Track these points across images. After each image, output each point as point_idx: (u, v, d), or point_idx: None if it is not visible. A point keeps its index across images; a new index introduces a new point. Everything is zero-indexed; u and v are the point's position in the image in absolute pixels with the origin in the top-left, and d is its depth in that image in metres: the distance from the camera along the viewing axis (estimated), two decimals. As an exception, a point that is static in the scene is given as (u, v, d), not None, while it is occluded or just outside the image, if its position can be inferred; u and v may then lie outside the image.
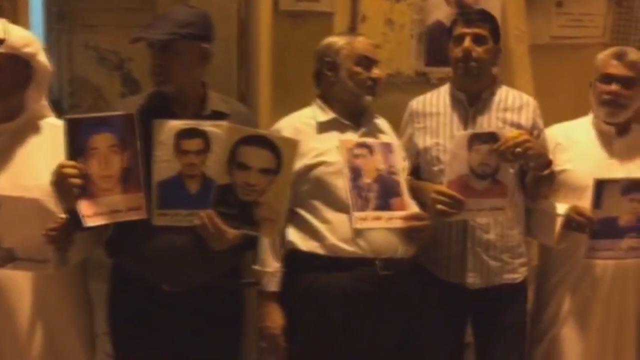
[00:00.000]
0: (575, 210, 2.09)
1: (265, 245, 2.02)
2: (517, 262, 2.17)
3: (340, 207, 1.97)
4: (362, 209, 1.96)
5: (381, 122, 2.19)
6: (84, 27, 2.62)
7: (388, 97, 2.55)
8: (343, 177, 1.98)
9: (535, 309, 2.34)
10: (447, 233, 2.15)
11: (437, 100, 2.23)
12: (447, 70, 2.42)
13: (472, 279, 2.12)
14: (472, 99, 2.17)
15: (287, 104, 2.22)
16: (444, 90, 2.24)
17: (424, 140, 2.19)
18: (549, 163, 2.08)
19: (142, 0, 2.48)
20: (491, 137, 2.01)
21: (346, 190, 1.96)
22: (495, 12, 2.50)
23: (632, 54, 2.16)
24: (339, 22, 2.53)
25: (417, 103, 2.27)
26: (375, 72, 2.09)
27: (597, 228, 2.05)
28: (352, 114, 2.11)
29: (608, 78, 2.17)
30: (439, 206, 1.99)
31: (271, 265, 2.02)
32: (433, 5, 2.46)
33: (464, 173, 2.00)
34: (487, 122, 2.14)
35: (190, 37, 1.84)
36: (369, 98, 2.10)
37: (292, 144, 1.87)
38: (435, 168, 2.16)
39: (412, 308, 2.05)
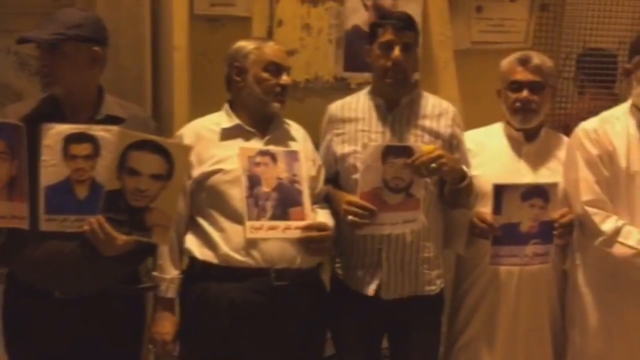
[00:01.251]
0: (476, 216, 2.15)
1: (165, 252, 2.06)
2: (434, 273, 2.21)
3: (234, 216, 2.00)
4: (257, 218, 1.98)
5: (294, 129, 2.22)
6: (5, 32, 2.66)
7: (308, 103, 2.62)
8: (240, 185, 1.99)
9: (450, 317, 2.39)
10: (361, 243, 2.18)
11: (355, 105, 2.27)
12: (366, 76, 2.49)
13: (386, 291, 2.15)
14: (391, 106, 2.21)
15: (207, 109, 2.25)
16: (363, 95, 2.28)
17: (342, 147, 2.22)
18: (465, 175, 2.13)
19: (61, 5, 2.52)
20: (405, 151, 2.05)
21: (241, 199, 1.98)
22: (416, 17, 2.57)
23: (536, 58, 2.23)
24: (257, 26, 2.59)
25: (335, 108, 2.30)
26: (284, 78, 2.11)
27: (498, 234, 2.10)
28: (259, 120, 2.13)
29: (517, 85, 2.23)
30: (350, 217, 2.02)
31: (169, 272, 2.07)
32: (351, 10, 2.52)
33: (377, 186, 2.04)
34: (406, 130, 2.18)
35: (78, 38, 1.87)
36: (276, 105, 2.12)
37: (184, 150, 1.92)
38: (354, 176, 2.18)
39: (310, 319, 2.07)
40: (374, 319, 2.20)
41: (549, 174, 2.24)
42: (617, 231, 2.03)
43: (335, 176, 2.27)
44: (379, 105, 2.21)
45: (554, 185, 2.11)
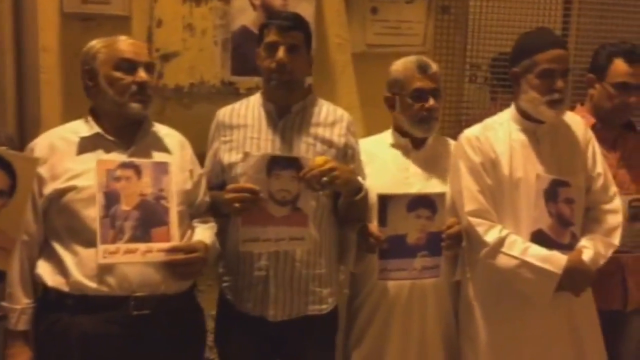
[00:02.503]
0: (363, 229, 2.09)
1: (15, 279, 1.88)
2: (326, 291, 2.14)
3: (89, 239, 1.84)
4: (113, 240, 1.82)
5: (167, 137, 2.07)
6: None
7: (195, 109, 2.50)
8: (96, 204, 1.82)
9: (344, 334, 2.32)
10: (247, 261, 2.09)
11: (245, 111, 2.18)
12: (257, 80, 2.43)
13: (274, 312, 2.07)
14: (282, 112, 2.13)
15: (81, 115, 2.08)
16: (254, 100, 2.20)
17: (229, 156, 2.13)
18: (360, 188, 2.08)
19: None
20: (293, 162, 1.98)
21: (96, 220, 1.82)
22: (309, 18, 2.49)
23: (433, 65, 2.21)
24: (137, 26, 2.46)
25: (224, 114, 2.20)
26: (141, 75, 1.93)
27: (385, 247, 2.05)
28: (123, 128, 1.97)
29: (420, 93, 2.18)
30: (236, 204, 1.92)
31: (20, 301, 1.89)
32: (238, 10, 2.42)
33: (262, 198, 1.95)
34: (297, 138, 2.10)
35: None
36: (135, 106, 1.94)
37: (30, 163, 1.78)
38: (240, 187, 2.10)
39: (184, 348, 1.95)
40: (264, 341, 2.11)
41: (438, 182, 2.20)
42: (500, 241, 2.01)
43: (223, 186, 2.13)
44: (270, 111, 2.14)
45: (440, 195, 2.08)
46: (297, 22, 2.07)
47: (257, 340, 2.10)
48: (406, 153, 2.26)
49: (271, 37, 2.05)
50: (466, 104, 2.91)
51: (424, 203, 2.06)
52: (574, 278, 1.98)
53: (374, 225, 2.07)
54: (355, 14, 2.57)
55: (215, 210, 2.13)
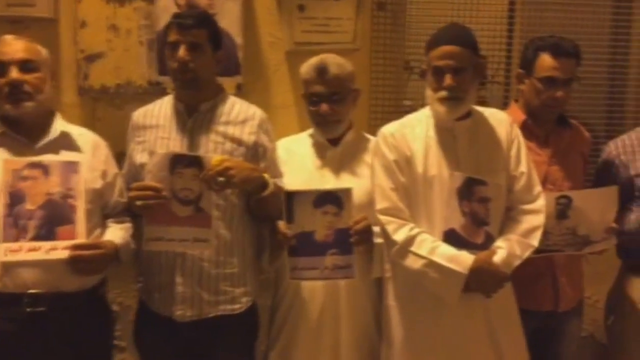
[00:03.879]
0: (273, 227, 2.12)
1: None
2: (238, 291, 2.15)
3: (-10, 238, 1.86)
4: (16, 239, 1.88)
5: (80, 137, 2.11)
6: None
7: (125, 109, 2.52)
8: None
9: (267, 334, 2.32)
10: (156, 261, 2.12)
11: (158, 112, 2.21)
12: (184, 80, 2.43)
13: (181, 312, 2.09)
14: (191, 111, 2.16)
15: None
16: (167, 101, 2.23)
17: (141, 156, 2.15)
18: (266, 184, 2.08)
19: None
20: (195, 161, 2.02)
21: None
22: (237, 17, 2.56)
23: (333, 67, 2.21)
24: (64, 28, 2.50)
25: (138, 115, 2.24)
26: (11, 75, 1.95)
27: (294, 244, 2.08)
28: (32, 127, 2.00)
29: (316, 98, 2.21)
30: (139, 202, 1.97)
31: None
32: (162, 10, 2.44)
33: (165, 196, 1.98)
34: (205, 137, 2.12)
35: None
36: (8, 107, 1.96)
37: None
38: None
39: (88, 345, 1.97)
40: (175, 342, 2.12)
41: (353, 179, 2.21)
42: (409, 240, 2.01)
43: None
44: (180, 111, 2.16)
45: (346, 191, 2.09)
46: (198, 20, 2.09)
47: (168, 340, 2.12)
48: (323, 150, 2.28)
49: (172, 36, 2.08)
50: (408, 102, 2.92)
51: (330, 199, 2.08)
52: (481, 279, 1.96)
53: (282, 222, 2.09)
54: (283, 12, 2.58)
55: (132, 211, 2.13)
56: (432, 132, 2.10)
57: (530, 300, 2.30)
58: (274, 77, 2.68)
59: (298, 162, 2.27)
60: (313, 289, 2.16)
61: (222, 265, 2.10)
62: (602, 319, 2.61)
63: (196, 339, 2.10)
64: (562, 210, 2.20)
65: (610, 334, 2.55)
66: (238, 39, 2.53)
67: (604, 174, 2.43)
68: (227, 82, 2.47)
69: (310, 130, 2.33)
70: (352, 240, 2.06)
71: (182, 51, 2.05)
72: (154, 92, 2.49)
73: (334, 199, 2.07)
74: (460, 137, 2.09)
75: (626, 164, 2.39)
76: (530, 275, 2.30)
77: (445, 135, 2.09)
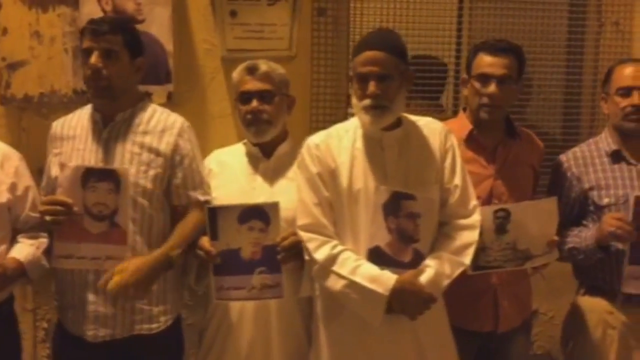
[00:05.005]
0: (197, 245, 2.03)
1: None
2: (157, 309, 2.07)
3: None
4: None
5: None
6: None
7: (51, 118, 2.42)
8: None
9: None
10: (69, 278, 2.04)
11: (76, 122, 2.14)
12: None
13: (94, 331, 2.01)
14: (108, 121, 2.08)
15: None
16: (86, 110, 2.15)
17: (56, 169, 2.06)
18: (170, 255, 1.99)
19: None
20: (110, 175, 1.94)
21: None
22: (167, 23, 2.47)
23: (264, 66, 2.14)
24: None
25: (56, 125, 2.17)
26: None
27: (218, 262, 1.99)
28: None
29: (246, 95, 2.14)
30: (48, 218, 1.91)
31: None
32: (87, 16, 2.33)
33: (76, 212, 1.91)
34: (121, 148, 2.04)
35: None
36: None
37: None
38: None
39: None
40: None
41: (287, 192, 2.10)
42: (331, 259, 1.91)
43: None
44: (96, 121, 2.09)
45: (273, 205, 2.00)
46: (113, 26, 2.02)
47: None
48: (256, 162, 2.19)
49: (85, 42, 2.01)
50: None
51: (256, 214, 1.99)
52: (403, 300, 1.86)
53: (205, 239, 2.00)
54: (215, 18, 2.49)
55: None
56: (359, 143, 2.00)
57: (470, 320, 2.23)
58: (211, 85, 2.59)
59: (230, 175, 2.19)
60: (242, 309, 2.07)
61: None
62: (559, 335, 2.49)
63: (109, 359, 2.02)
64: (500, 224, 2.11)
65: (568, 352, 2.42)
66: (168, 46, 2.45)
67: (556, 187, 2.35)
68: (158, 91, 2.40)
69: (245, 140, 2.24)
70: (279, 257, 1.97)
71: (94, 58, 1.97)
72: (79, 101, 2.38)
73: (260, 214, 1.99)
74: (389, 149, 1.99)
75: (579, 176, 2.31)
76: (471, 294, 2.23)
77: (373, 146, 1.99)
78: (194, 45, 2.57)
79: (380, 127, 1.97)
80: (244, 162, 2.20)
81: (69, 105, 2.38)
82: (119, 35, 2.01)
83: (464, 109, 2.36)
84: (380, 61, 1.92)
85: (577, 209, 2.28)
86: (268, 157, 2.18)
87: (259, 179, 2.16)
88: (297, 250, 2.00)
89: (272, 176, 2.16)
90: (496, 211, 2.12)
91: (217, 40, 2.54)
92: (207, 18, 2.56)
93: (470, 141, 2.25)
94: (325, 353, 2.01)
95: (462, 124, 2.28)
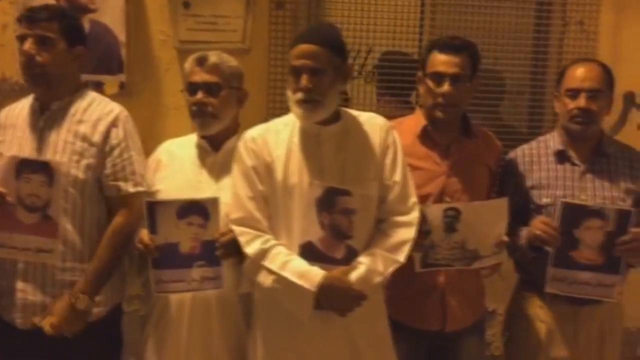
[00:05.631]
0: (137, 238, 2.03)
1: None
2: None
3: None
4: None
5: None
6: None
7: (3, 106, 2.44)
8: None
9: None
10: (1, 266, 2.03)
11: (19, 110, 2.14)
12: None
13: (23, 319, 2.02)
14: (45, 109, 2.08)
15: None
16: (29, 99, 2.13)
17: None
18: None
19: None
20: (44, 167, 1.94)
21: None
22: (120, 13, 2.47)
23: (213, 57, 2.11)
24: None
25: (1, 113, 2.16)
26: None
27: (156, 256, 1.97)
28: None
29: (193, 87, 2.11)
30: None
31: None
32: (40, 4, 2.34)
33: (9, 202, 1.91)
34: (56, 137, 2.04)
35: None
36: None
37: None
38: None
39: None
40: (28, 352, 2.02)
41: (231, 187, 2.05)
42: (262, 253, 1.90)
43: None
44: (35, 109, 2.09)
45: (212, 201, 1.99)
46: (48, 13, 2.01)
47: (18, 349, 2.03)
48: (204, 155, 2.17)
49: (20, 29, 2.01)
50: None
51: (195, 210, 1.98)
52: (330, 296, 1.85)
53: (144, 231, 1.99)
54: (168, 9, 2.50)
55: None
56: (297, 138, 1.98)
57: (418, 319, 2.23)
58: (166, 76, 2.60)
59: (178, 167, 2.16)
60: (182, 302, 2.06)
61: (71, 272, 2.02)
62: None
63: (42, 349, 2.01)
64: (450, 223, 2.11)
65: (506, 350, 2.47)
66: (121, 36, 2.45)
67: (505, 184, 2.33)
68: (110, 81, 2.41)
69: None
70: (217, 253, 1.96)
71: (27, 44, 1.97)
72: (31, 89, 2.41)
73: (199, 210, 1.98)
74: (326, 143, 1.98)
75: (524, 174, 2.29)
76: (418, 292, 2.23)
77: (310, 140, 1.98)
78: (149, 35, 2.58)
79: (313, 121, 1.96)
80: (193, 155, 2.18)
81: (20, 93, 2.36)
82: (55, 22, 2.00)
83: (421, 105, 2.34)
84: (314, 55, 1.91)
85: (521, 207, 2.25)
86: (216, 150, 2.15)
87: (205, 173, 2.14)
88: (236, 245, 1.98)
89: (219, 170, 2.13)
90: (446, 210, 2.11)
91: (171, 31, 2.54)
92: (163, 9, 2.56)
93: (424, 138, 2.24)
94: (260, 348, 2.00)
95: (418, 120, 2.27)
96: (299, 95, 1.91)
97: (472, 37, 2.56)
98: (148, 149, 2.22)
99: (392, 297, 2.22)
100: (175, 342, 2.08)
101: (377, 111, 3.08)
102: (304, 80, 1.89)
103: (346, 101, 3.30)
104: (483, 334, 2.43)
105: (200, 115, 2.10)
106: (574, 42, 2.85)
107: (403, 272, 2.10)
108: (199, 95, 2.08)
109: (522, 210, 2.24)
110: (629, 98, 2.97)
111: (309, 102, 1.91)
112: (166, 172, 2.17)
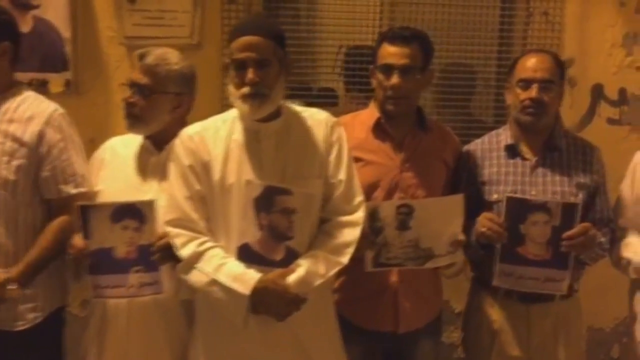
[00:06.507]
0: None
1: None
2: (24, 307, 1.99)
3: None
4: None
5: None
6: None
7: None
8: None
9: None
10: None
11: None
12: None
13: None
14: None
15: None
16: None
17: None
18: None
19: None
20: None
21: None
22: (61, 8, 2.38)
23: (151, 57, 2.01)
24: None
25: None
26: None
27: (92, 262, 1.91)
28: None
29: (129, 86, 2.02)
30: None
31: None
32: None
33: None
34: None
35: None
36: None
37: None
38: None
39: None
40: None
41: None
42: (197, 256, 1.82)
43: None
44: None
45: (148, 203, 1.92)
46: None
47: None
48: (147, 155, 2.08)
49: None
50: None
51: (131, 212, 1.91)
52: (265, 300, 1.77)
53: (78, 237, 1.92)
54: (113, 4, 2.43)
55: None
56: (236, 135, 1.90)
57: (370, 320, 2.16)
58: (116, 73, 2.52)
59: (120, 166, 2.09)
60: (117, 308, 1.99)
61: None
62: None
63: None
64: (403, 220, 2.03)
65: (464, 348, 2.41)
66: (66, 33, 2.38)
67: (457, 179, 2.25)
68: (54, 79, 2.34)
69: None
70: (154, 258, 1.89)
71: None
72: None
73: (134, 213, 1.91)
74: (265, 140, 1.89)
75: (476, 170, 2.23)
76: (370, 292, 2.16)
77: (250, 138, 1.89)
78: (96, 32, 2.50)
79: (260, 116, 1.88)
80: (137, 154, 2.09)
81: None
82: None
83: (376, 99, 2.25)
84: (258, 46, 1.83)
85: (473, 203, 2.16)
86: (160, 150, 2.06)
87: (149, 174, 2.05)
88: (172, 250, 1.89)
89: (162, 171, 2.02)
90: (399, 206, 2.03)
91: (117, 27, 2.47)
92: (110, 4, 2.48)
93: (378, 131, 2.17)
94: (201, 357, 1.92)
95: (372, 113, 2.20)
96: (246, 89, 1.83)
97: (436, 31, 2.51)
98: (97, 148, 2.14)
99: (346, 298, 2.17)
100: (115, 349, 2.01)
101: (345, 107, 3.05)
102: (250, 73, 1.81)
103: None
104: (439, 336, 2.36)
105: (126, 116, 2.02)
106: (539, 33, 2.77)
107: (356, 272, 2.05)
108: (128, 94, 2.00)
109: (476, 208, 2.15)
110: (598, 90, 2.90)
111: (256, 97, 1.83)
112: (107, 171, 2.09)
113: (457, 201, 2.08)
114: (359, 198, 1.96)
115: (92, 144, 2.20)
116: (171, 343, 2.02)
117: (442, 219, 2.06)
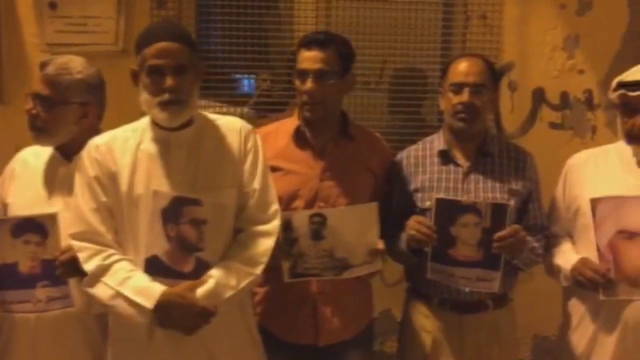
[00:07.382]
0: None
1: None
2: None
3: None
4: None
5: None
6: None
7: None
8: None
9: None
10: None
11: None
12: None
13: None
14: None
15: None
16: None
17: None
18: None
19: None
20: None
21: None
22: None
23: (51, 66, 1.94)
24: None
25: None
26: None
27: (-3, 278, 1.87)
28: None
29: (32, 97, 1.95)
30: None
31: None
32: None
33: None
34: None
35: None
36: None
37: None
38: None
39: None
40: None
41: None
42: (102, 270, 1.76)
43: None
44: None
45: (50, 217, 1.86)
46: None
47: None
48: (56, 166, 2.01)
49: None
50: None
51: (32, 227, 1.86)
52: (170, 314, 1.71)
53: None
54: (33, 10, 2.37)
55: None
56: (146, 145, 1.85)
57: (289, 332, 2.10)
58: (41, 82, 2.47)
59: (29, 178, 2.02)
60: (25, 322, 1.92)
61: None
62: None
63: None
64: (316, 230, 1.99)
65: (399, 359, 2.34)
66: (-12, 41, 2.33)
67: (391, 188, 2.20)
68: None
69: None
70: (57, 273, 1.84)
71: None
72: None
73: (36, 227, 1.86)
74: (176, 150, 1.84)
75: (409, 177, 2.18)
76: (290, 303, 2.11)
77: (160, 147, 1.84)
78: (21, 39, 2.44)
79: (178, 123, 1.83)
80: (46, 165, 2.02)
81: None
82: None
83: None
84: (175, 53, 1.79)
85: (405, 211, 2.13)
86: (69, 160, 2.00)
87: (57, 187, 1.99)
88: (78, 263, 1.82)
89: (71, 182, 1.93)
90: (312, 216, 1.98)
91: (39, 34, 2.41)
92: (32, 11, 2.42)
93: (298, 139, 2.12)
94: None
95: (293, 121, 2.15)
96: (165, 96, 1.78)
97: (376, 34, 2.46)
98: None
99: (268, 310, 2.13)
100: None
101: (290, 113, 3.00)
102: (169, 80, 1.77)
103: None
104: (369, 348, 2.30)
105: (30, 128, 1.96)
106: (477, 37, 2.73)
107: (277, 283, 2.02)
108: (29, 105, 1.94)
109: (409, 216, 2.09)
110: (539, 94, 2.86)
111: (175, 104, 1.78)
112: (17, 183, 2.03)
113: (371, 209, 2.03)
114: (274, 207, 1.91)
115: (17, 153, 2.13)
116: (86, 357, 1.96)
117: (356, 227, 2.02)
